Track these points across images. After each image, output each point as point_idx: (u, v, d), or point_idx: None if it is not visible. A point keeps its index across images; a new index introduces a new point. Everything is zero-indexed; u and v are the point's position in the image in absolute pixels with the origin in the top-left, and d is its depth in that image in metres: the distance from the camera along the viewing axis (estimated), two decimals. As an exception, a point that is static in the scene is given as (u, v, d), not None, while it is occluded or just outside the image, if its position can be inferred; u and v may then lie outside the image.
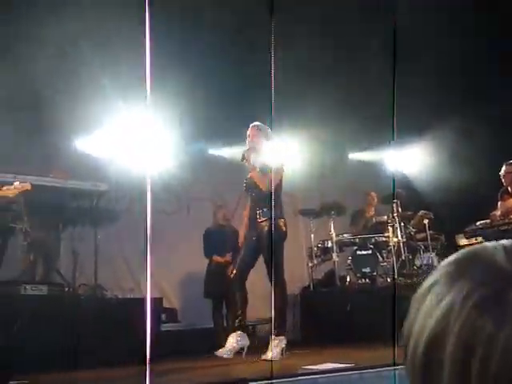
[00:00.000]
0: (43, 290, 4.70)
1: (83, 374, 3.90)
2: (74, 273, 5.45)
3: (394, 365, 2.70)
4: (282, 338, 4.32)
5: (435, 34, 6.65)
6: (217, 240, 6.37)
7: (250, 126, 4.35)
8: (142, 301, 3.87)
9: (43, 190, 5.12)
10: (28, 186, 4.18)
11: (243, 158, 4.16)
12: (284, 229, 4.56)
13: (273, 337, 4.23)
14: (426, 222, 6.93)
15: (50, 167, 5.96)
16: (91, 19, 5.18)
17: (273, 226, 4.20)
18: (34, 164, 5.93)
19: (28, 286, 4.35)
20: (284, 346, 4.27)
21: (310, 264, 6.94)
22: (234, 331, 4.30)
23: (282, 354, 4.17)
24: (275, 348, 4.13)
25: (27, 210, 4.52)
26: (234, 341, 4.14)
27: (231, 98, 6.69)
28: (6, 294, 4.44)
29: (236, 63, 6.01)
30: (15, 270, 5.20)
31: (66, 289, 5.17)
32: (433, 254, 6.94)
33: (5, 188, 4.11)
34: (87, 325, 4.68)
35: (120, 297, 5.69)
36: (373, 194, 7.41)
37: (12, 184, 4.19)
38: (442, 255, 7.08)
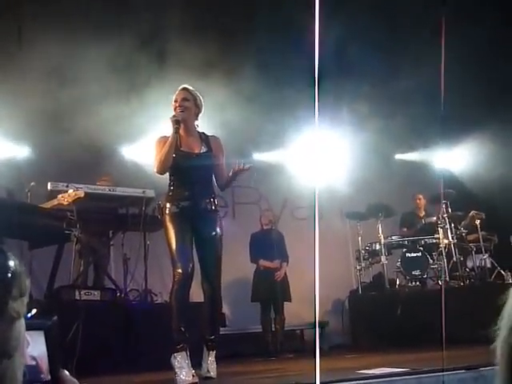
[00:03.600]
0: (96, 295, 4.82)
1: (135, 377, 3.97)
2: (125, 278, 5.56)
3: (443, 370, 2.63)
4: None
5: (483, 33, 6.48)
6: (263, 244, 6.37)
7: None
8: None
9: (94, 197, 5.26)
10: (81, 194, 4.30)
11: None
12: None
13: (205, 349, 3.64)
14: (477, 222, 6.74)
15: (100, 175, 6.12)
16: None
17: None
18: (85, 172, 6.10)
19: (82, 291, 4.47)
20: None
21: (358, 267, 6.86)
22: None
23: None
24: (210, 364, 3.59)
25: (80, 217, 4.64)
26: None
27: (273, 100, 6.70)
28: (62, 299, 4.57)
29: (277, 63, 6.01)
30: (69, 275, 5.36)
31: (118, 294, 5.27)
32: (485, 256, 6.75)
33: (60, 196, 4.24)
34: (138, 329, 4.77)
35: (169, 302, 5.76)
36: (421, 196, 7.25)
37: (66, 192, 4.31)
38: (495, 256, 6.87)
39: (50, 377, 0.66)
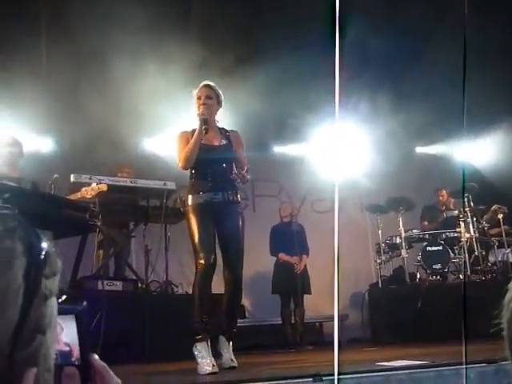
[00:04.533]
0: (118, 285, 4.89)
1: (156, 367, 4.03)
2: (146, 269, 5.63)
3: (466, 363, 2.62)
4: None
5: (505, 24, 6.38)
6: (283, 236, 6.39)
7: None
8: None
9: (116, 189, 5.32)
10: (104, 188, 4.35)
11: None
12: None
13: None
14: (500, 216, 6.66)
15: (121, 167, 6.19)
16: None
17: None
18: (108, 164, 6.18)
19: (105, 282, 4.54)
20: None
21: (378, 260, 6.83)
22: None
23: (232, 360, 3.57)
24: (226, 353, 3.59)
25: (102, 209, 4.71)
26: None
27: (295, 94, 6.68)
28: (86, 289, 4.65)
29: (298, 55, 5.99)
30: (91, 266, 5.45)
31: (139, 285, 5.34)
32: (508, 250, 6.67)
33: (83, 189, 4.30)
34: (159, 319, 4.83)
35: (190, 293, 5.82)
36: (444, 192, 7.18)
37: (89, 185, 4.37)
38: (518, 251, 6.79)
39: (81, 361, 0.69)
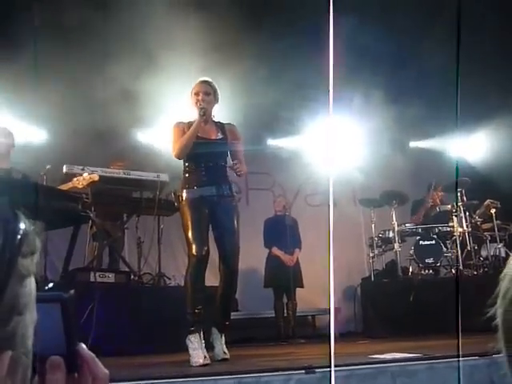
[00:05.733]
0: (110, 277, 4.87)
1: (148, 359, 4.02)
2: (139, 261, 5.62)
3: (458, 356, 2.64)
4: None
5: (500, 19, 6.38)
6: (276, 229, 6.39)
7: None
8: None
9: (108, 180, 5.30)
10: (96, 177, 4.34)
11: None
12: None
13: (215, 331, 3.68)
14: (493, 211, 6.68)
15: (115, 159, 6.16)
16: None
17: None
18: (100, 156, 6.14)
19: (97, 274, 4.52)
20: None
21: (371, 254, 6.85)
22: None
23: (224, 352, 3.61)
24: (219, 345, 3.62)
25: (94, 200, 4.68)
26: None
27: (289, 87, 6.66)
28: (78, 281, 4.63)
29: (292, 49, 5.97)
30: (84, 258, 5.42)
31: (132, 277, 5.32)
32: (500, 245, 6.70)
33: (75, 179, 4.28)
34: (152, 311, 4.83)
35: (183, 285, 5.82)
36: (438, 186, 7.17)
37: (81, 175, 4.35)
38: (510, 246, 6.82)
39: (67, 350, 0.67)
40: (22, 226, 0.61)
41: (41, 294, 0.66)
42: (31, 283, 0.63)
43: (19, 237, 0.60)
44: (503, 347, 0.65)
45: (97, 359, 0.69)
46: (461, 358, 2.56)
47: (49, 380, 0.65)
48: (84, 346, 0.68)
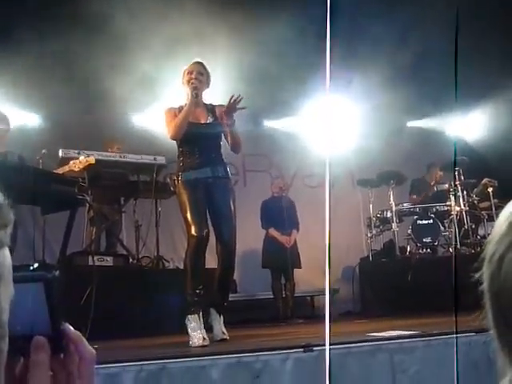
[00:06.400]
0: (109, 260, 4.88)
1: (148, 341, 4.05)
2: (137, 244, 5.62)
3: (455, 333, 2.66)
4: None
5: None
6: (274, 211, 6.39)
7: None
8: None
9: (105, 163, 5.28)
10: (92, 161, 4.32)
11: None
12: None
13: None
14: (490, 190, 6.68)
15: (111, 142, 6.13)
16: None
17: None
18: (96, 139, 6.12)
19: (95, 257, 4.53)
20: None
21: (369, 234, 6.86)
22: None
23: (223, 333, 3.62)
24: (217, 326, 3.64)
25: (91, 184, 4.67)
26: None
27: (286, 68, 6.61)
28: (76, 264, 4.64)
29: (291, 32, 5.91)
30: (82, 241, 5.42)
31: (130, 260, 5.34)
32: (497, 223, 6.71)
33: (71, 163, 4.27)
34: (151, 294, 4.85)
35: (181, 268, 5.84)
36: (437, 168, 7.14)
37: (77, 159, 4.34)
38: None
39: (51, 330, 0.66)
40: None
41: (23, 273, 0.66)
42: (5, 255, 0.62)
43: None
44: (490, 315, 0.64)
45: (83, 338, 0.69)
46: (457, 335, 2.58)
47: (32, 361, 0.64)
48: (69, 325, 0.68)
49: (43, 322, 0.66)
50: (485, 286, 0.64)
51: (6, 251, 0.62)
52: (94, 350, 0.69)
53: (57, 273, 0.66)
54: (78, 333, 0.68)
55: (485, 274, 0.64)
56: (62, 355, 0.67)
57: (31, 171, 3.52)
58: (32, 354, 0.65)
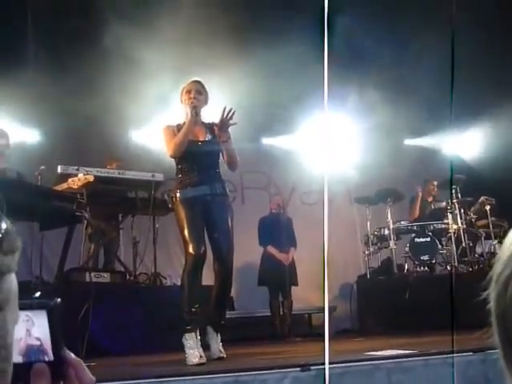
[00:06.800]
0: (106, 277, 4.87)
1: (145, 358, 4.02)
2: (135, 261, 5.61)
3: (453, 352, 2.66)
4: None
5: (493, 14, 6.40)
6: (271, 228, 6.39)
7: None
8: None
9: (103, 180, 5.29)
10: (91, 178, 4.33)
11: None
12: None
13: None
14: (487, 208, 6.70)
15: (110, 159, 6.15)
16: None
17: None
18: (95, 156, 6.13)
19: (92, 274, 4.51)
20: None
21: (367, 252, 6.86)
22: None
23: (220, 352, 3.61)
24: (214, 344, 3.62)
25: (89, 200, 4.67)
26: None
27: (284, 86, 6.66)
28: (73, 281, 4.62)
29: (289, 50, 5.97)
30: (79, 258, 5.41)
31: (128, 276, 5.32)
32: (495, 242, 6.72)
33: (70, 180, 4.28)
34: (148, 311, 4.82)
35: (179, 284, 5.82)
36: (433, 182, 7.18)
37: (76, 176, 4.34)
38: (504, 242, 6.84)
39: (52, 357, 0.67)
40: (4, 225, 0.62)
41: (27, 301, 0.67)
42: (12, 280, 0.64)
43: (0, 235, 0.61)
44: (496, 335, 0.63)
45: (84, 365, 0.70)
46: (455, 354, 2.57)
47: None
48: (70, 352, 0.69)
49: (45, 348, 0.67)
50: (491, 306, 0.64)
51: (13, 277, 0.64)
52: (93, 377, 0.70)
53: (58, 300, 0.68)
54: (78, 359, 0.69)
55: (491, 294, 0.64)
56: (61, 382, 0.68)
57: (30, 187, 3.52)
58: (32, 381, 0.66)
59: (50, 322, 0.67)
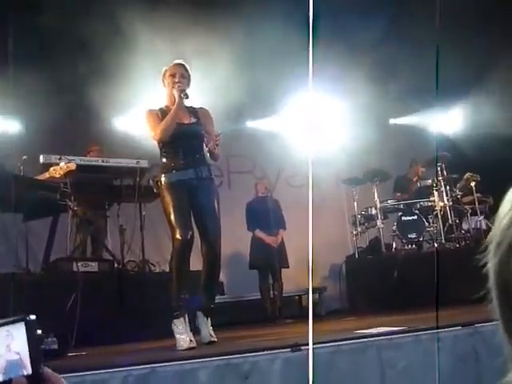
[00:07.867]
0: (94, 266, 4.83)
1: (135, 346, 4.02)
2: (122, 249, 5.57)
3: (437, 328, 2.68)
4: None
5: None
6: (259, 211, 6.38)
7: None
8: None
9: (87, 168, 5.23)
10: (73, 167, 4.28)
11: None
12: None
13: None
14: (472, 184, 6.74)
15: (89, 145, 6.08)
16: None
17: None
18: (77, 144, 6.06)
19: (80, 263, 4.48)
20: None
21: (354, 232, 6.89)
22: None
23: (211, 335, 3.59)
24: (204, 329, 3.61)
25: (74, 189, 4.61)
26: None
27: (268, 68, 6.61)
28: (60, 271, 4.58)
29: (273, 33, 5.91)
30: (67, 247, 5.36)
31: (115, 265, 5.28)
32: (481, 218, 6.78)
33: (52, 169, 4.22)
34: (137, 299, 4.81)
35: (167, 271, 5.80)
36: (418, 164, 7.18)
37: (58, 165, 4.29)
38: (490, 218, 6.90)
39: (31, 372, 0.67)
40: None
41: (7, 319, 0.67)
42: None
43: None
44: (497, 304, 0.60)
45: (63, 380, 0.69)
46: (442, 329, 2.59)
47: None
48: (48, 368, 0.69)
49: (24, 363, 0.67)
50: (491, 274, 0.61)
51: None
52: None
53: (34, 316, 0.68)
54: (56, 375, 0.68)
55: (491, 262, 0.61)
56: None
57: (12, 178, 3.47)
58: None
59: (28, 334, 0.67)
